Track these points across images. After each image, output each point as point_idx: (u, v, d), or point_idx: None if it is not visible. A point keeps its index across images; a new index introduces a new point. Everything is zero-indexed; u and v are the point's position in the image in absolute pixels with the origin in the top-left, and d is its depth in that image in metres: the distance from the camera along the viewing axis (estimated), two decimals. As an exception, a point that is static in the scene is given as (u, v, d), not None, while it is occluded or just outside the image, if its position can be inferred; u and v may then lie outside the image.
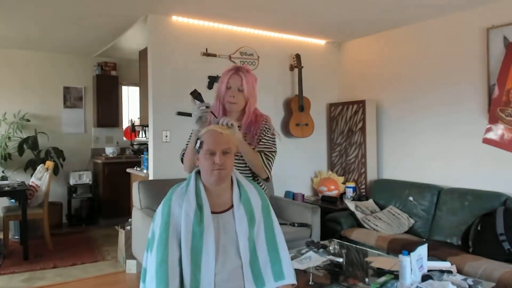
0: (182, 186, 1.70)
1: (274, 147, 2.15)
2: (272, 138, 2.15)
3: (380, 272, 2.49)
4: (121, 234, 4.09)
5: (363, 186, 4.70)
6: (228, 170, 1.66)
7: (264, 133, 2.12)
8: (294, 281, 1.70)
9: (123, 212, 5.16)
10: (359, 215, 4.05)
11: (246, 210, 1.68)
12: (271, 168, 2.11)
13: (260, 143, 2.11)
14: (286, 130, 4.80)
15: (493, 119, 3.63)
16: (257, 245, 1.68)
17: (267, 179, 2.15)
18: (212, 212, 1.65)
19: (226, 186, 1.71)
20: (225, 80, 2.08)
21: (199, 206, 1.62)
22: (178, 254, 1.59)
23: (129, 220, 4.02)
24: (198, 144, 1.68)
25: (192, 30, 4.22)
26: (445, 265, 2.77)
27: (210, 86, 4.30)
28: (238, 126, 2.05)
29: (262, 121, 2.13)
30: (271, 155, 2.12)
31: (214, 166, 1.62)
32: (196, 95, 1.95)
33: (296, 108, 4.79)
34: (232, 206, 1.69)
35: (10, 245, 4.55)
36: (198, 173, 1.73)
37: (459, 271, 2.81)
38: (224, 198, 1.70)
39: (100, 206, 5.86)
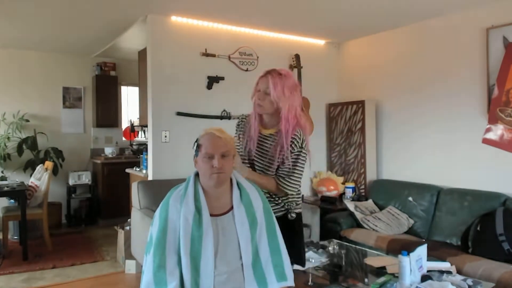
0: (180, 189, 1.69)
1: (298, 168, 2.06)
2: (297, 157, 2.05)
3: (379, 272, 2.49)
4: (120, 234, 4.08)
5: (363, 187, 4.70)
6: (227, 173, 1.65)
7: (290, 150, 2.03)
8: (293, 283, 1.71)
9: (122, 212, 5.16)
10: (358, 215, 4.04)
11: (248, 211, 1.67)
12: (294, 187, 2.07)
13: (282, 165, 2.05)
14: (286, 130, 4.79)
15: (493, 119, 3.63)
16: (259, 246, 1.67)
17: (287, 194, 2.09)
18: (211, 215, 1.64)
19: (225, 188, 1.70)
20: (256, 82, 2.09)
21: (198, 210, 1.61)
22: (176, 258, 1.58)
23: (128, 220, 4.02)
24: (195, 147, 1.67)
25: (191, 30, 4.21)
26: (444, 265, 2.77)
27: (209, 87, 4.29)
28: (275, 133, 2.06)
29: (293, 134, 2.03)
30: (290, 179, 2.05)
31: (212, 170, 1.61)
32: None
33: (295, 108, 4.77)
34: (231, 208, 1.69)
35: (9, 245, 4.54)
36: (197, 175, 1.72)
37: (459, 272, 2.81)
38: (224, 201, 1.69)
39: (99, 207, 5.85)
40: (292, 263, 1.92)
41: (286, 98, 2.00)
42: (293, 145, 2.02)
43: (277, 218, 1.92)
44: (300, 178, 2.09)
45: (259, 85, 2.06)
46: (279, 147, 2.01)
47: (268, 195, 2.06)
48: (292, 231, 2.09)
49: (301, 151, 2.04)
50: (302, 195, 4.77)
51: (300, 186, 2.12)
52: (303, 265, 2.22)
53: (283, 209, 2.12)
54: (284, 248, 1.73)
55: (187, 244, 1.57)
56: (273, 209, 1.91)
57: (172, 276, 1.55)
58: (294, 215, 2.12)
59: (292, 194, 2.09)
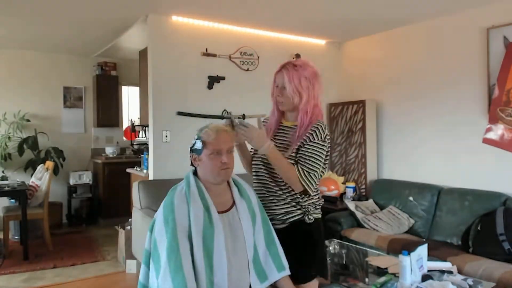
0: (181, 188, 1.66)
1: (317, 157, 1.79)
2: (316, 146, 1.80)
3: (380, 272, 2.49)
4: (121, 234, 4.09)
5: (363, 186, 4.70)
6: (232, 168, 1.68)
7: (308, 140, 1.81)
8: (289, 272, 1.74)
9: (123, 212, 5.17)
10: (359, 215, 4.05)
11: (248, 206, 1.70)
12: (312, 182, 1.78)
13: (300, 151, 1.82)
14: (286, 130, 4.80)
15: (493, 119, 3.63)
16: (257, 240, 1.70)
17: (305, 191, 1.82)
18: (217, 212, 1.64)
19: (225, 185, 1.72)
20: (274, 78, 1.96)
21: (206, 207, 1.61)
22: (190, 257, 1.55)
23: (129, 220, 4.02)
24: (199, 145, 1.66)
25: (192, 30, 4.21)
26: (445, 265, 2.77)
27: (210, 86, 4.30)
28: (296, 125, 1.88)
29: (312, 125, 1.83)
30: (310, 167, 1.78)
31: (222, 166, 1.62)
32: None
33: (296, 108, 4.79)
34: (233, 204, 1.70)
35: (10, 245, 4.54)
36: (194, 173, 1.72)
37: (459, 271, 2.81)
38: (225, 197, 1.71)
39: (100, 206, 5.86)
40: (314, 275, 1.86)
41: (304, 89, 1.85)
42: (314, 135, 1.81)
43: (293, 223, 1.84)
44: (320, 175, 1.83)
45: (276, 81, 1.92)
46: (297, 138, 1.84)
47: (276, 194, 1.86)
48: (310, 238, 1.87)
49: (323, 145, 1.81)
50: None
51: (318, 186, 1.89)
52: (326, 277, 2.00)
53: (299, 211, 1.86)
54: (277, 240, 1.76)
55: (199, 242, 1.55)
56: (284, 211, 1.84)
57: (190, 276, 1.51)
58: (312, 218, 1.87)
59: (309, 194, 1.85)
